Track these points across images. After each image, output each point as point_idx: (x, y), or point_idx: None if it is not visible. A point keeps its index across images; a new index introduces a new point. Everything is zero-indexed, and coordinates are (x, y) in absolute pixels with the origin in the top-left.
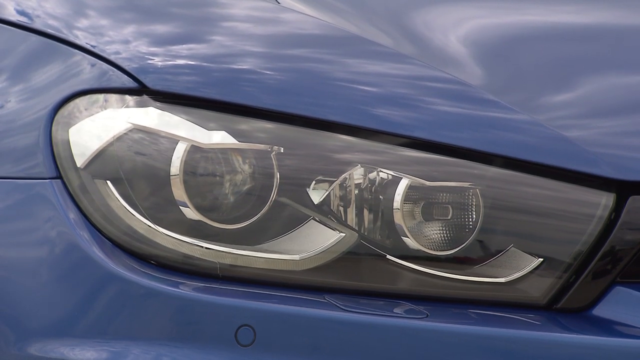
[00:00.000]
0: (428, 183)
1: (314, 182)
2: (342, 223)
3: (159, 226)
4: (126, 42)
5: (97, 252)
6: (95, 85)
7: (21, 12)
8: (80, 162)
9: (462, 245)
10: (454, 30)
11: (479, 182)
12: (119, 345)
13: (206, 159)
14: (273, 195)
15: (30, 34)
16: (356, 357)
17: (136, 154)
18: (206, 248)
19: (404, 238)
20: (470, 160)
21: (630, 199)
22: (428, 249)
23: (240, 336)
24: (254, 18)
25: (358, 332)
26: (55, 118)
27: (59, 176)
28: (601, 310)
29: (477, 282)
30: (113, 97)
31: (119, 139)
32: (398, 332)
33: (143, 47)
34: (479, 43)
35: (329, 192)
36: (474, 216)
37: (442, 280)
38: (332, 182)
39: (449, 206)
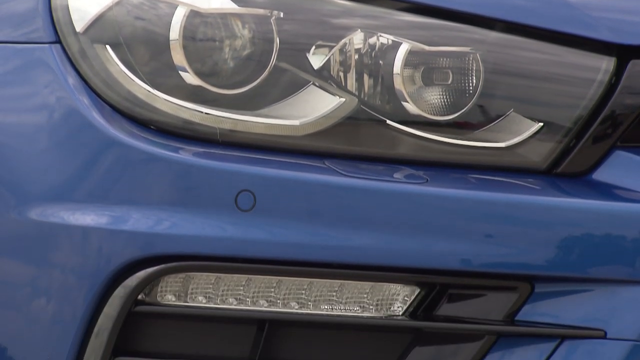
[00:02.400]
0: (428, 48)
1: (313, 47)
2: (342, 88)
3: (159, 91)
4: None
5: (96, 117)
6: None
7: None
8: (79, 26)
9: (462, 110)
10: None
11: (479, 47)
12: (119, 209)
13: (205, 24)
14: (273, 60)
15: None
16: (355, 222)
17: (135, 18)
18: (206, 113)
19: (404, 103)
20: (471, 24)
21: (631, 63)
22: (428, 113)
23: (240, 201)
24: None
25: (358, 197)
26: None
27: (58, 41)
28: (601, 175)
29: (477, 147)
30: None
31: (118, 3)
32: (398, 197)
33: None
34: None
35: (329, 57)
36: (474, 81)
37: (442, 145)
38: (332, 47)
39: (449, 71)
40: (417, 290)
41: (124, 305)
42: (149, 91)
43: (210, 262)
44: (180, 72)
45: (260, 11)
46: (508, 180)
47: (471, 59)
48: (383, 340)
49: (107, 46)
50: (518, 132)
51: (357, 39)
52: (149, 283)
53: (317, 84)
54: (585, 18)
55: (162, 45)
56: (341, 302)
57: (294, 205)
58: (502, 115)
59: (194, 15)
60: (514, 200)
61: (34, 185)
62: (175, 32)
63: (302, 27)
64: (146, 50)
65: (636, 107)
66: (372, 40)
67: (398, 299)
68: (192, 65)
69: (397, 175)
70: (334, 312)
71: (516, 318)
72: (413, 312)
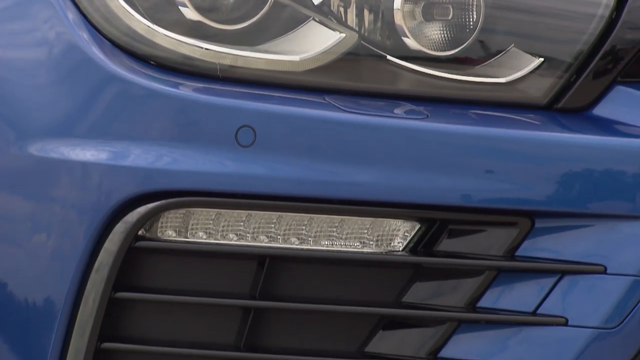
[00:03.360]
0: None
1: None
2: (342, 24)
3: (159, 27)
4: None
5: (96, 53)
6: None
7: None
8: None
9: (463, 46)
10: None
11: None
12: (119, 145)
13: None
14: None
15: None
16: (356, 157)
17: None
18: (206, 49)
19: (404, 38)
20: None
21: None
22: (428, 49)
23: (240, 137)
24: None
25: (358, 133)
26: None
27: None
28: (601, 110)
29: (478, 82)
30: None
31: None
32: (398, 133)
33: None
34: None
35: None
36: (475, 16)
37: (442, 80)
38: None
39: (450, 6)
40: (418, 226)
41: (124, 241)
42: (149, 26)
43: (210, 197)
44: (179, 7)
45: None
46: (508, 115)
47: None
48: (383, 276)
49: None
50: (518, 68)
51: None
52: (149, 219)
53: (317, 20)
54: None
55: None
56: (341, 238)
57: (294, 140)
58: (502, 51)
59: None
60: (515, 136)
61: (34, 121)
62: None
63: None
64: None
65: (636, 42)
66: None
67: (398, 234)
68: (192, 1)
69: (397, 111)
70: (334, 248)
71: (516, 254)
72: (413, 247)
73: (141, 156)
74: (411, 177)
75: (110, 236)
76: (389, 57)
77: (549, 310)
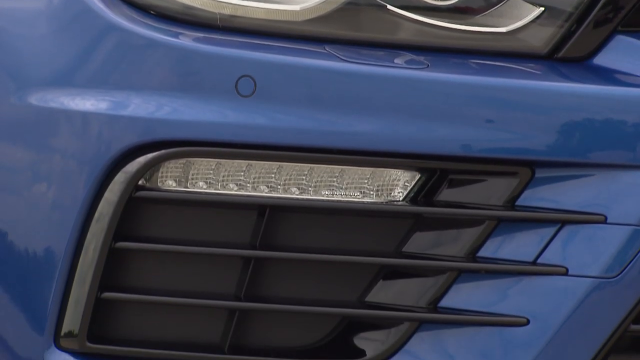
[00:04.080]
0: None
1: None
2: None
3: None
4: None
5: (96, 2)
6: None
7: None
8: None
9: None
10: None
11: None
12: (119, 95)
13: None
14: None
15: None
16: (356, 107)
17: None
18: None
19: None
20: None
21: None
22: None
23: (240, 86)
24: None
25: (358, 83)
26: None
27: None
28: (602, 59)
29: (478, 32)
30: None
31: None
32: (398, 83)
33: None
34: None
35: None
36: None
37: (442, 30)
38: None
39: None
40: (418, 176)
41: (124, 191)
42: None
43: (210, 147)
44: None
45: None
46: (509, 65)
47: None
48: (384, 226)
49: None
50: (519, 17)
51: None
52: (150, 168)
53: None
54: None
55: None
56: (342, 188)
57: (294, 90)
58: (503, 0)
59: None
60: (515, 85)
61: (34, 71)
62: None
63: None
64: None
65: None
66: None
67: (398, 184)
68: None
69: (397, 61)
70: (335, 198)
71: (516, 203)
72: (413, 197)
73: (141, 106)
74: (411, 126)
75: (111, 186)
76: (389, 6)
77: (549, 260)
